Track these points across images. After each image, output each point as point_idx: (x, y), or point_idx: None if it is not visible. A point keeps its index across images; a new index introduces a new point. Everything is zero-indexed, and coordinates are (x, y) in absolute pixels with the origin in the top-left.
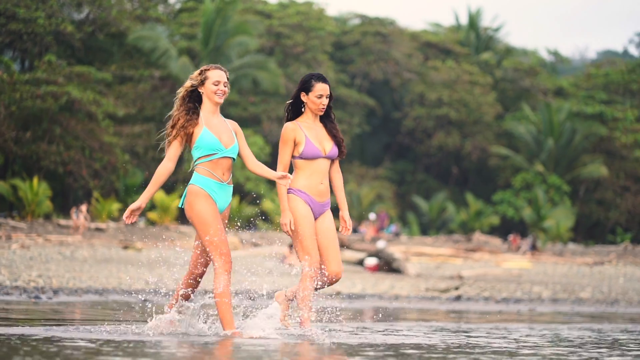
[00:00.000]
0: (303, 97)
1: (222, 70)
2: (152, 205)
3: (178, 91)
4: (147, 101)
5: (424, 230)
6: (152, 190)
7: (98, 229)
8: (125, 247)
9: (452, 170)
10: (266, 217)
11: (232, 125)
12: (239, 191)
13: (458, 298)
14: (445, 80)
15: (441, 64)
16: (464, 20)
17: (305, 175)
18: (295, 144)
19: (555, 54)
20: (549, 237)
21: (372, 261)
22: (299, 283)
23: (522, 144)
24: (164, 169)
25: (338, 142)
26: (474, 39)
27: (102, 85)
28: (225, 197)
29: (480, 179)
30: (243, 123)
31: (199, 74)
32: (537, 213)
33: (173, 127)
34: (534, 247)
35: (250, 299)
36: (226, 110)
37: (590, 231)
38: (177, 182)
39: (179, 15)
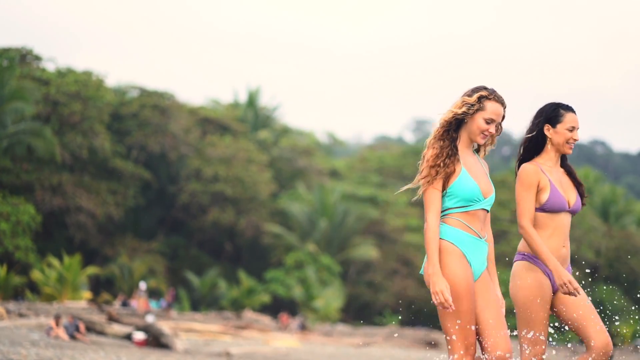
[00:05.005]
0: (547, 130)
1: (503, 105)
2: None
3: (443, 114)
4: None
5: (195, 306)
6: (437, 255)
7: None
8: None
9: (226, 246)
10: (34, 288)
11: (485, 166)
12: (8, 259)
13: None
14: (222, 157)
15: (219, 140)
16: (243, 98)
17: (544, 235)
18: (537, 191)
19: (332, 136)
20: (318, 316)
21: (140, 335)
22: None
23: (295, 223)
24: (436, 228)
25: (581, 192)
26: (252, 117)
27: None
28: (482, 257)
29: (253, 256)
30: (15, 190)
31: (477, 100)
32: (307, 292)
33: (434, 165)
34: (303, 327)
35: None
36: None
37: (359, 312)
38: None
39: None
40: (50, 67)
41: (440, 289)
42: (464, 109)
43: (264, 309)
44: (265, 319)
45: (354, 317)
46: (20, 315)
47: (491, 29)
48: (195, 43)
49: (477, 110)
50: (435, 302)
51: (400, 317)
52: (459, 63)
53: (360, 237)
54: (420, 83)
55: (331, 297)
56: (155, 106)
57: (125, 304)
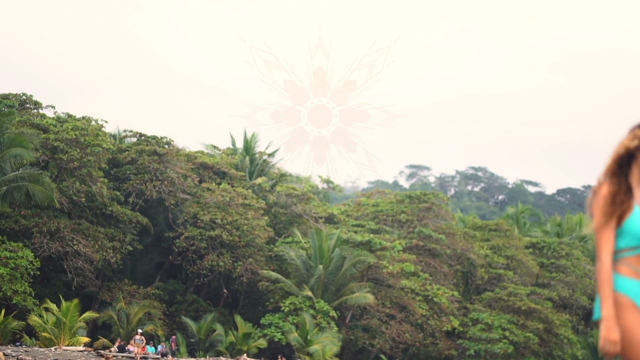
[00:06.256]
0: None
1: None
2: None
3: (616, 148)
4: None
5: (192, 351)
6: (611, 297)
7: None
8: None
9: (223, 291)
10: (32, 332)
11: None
12: (6, 304)
13: None
14: (219, 203)
15: (215, 186)
16: (240, 144)
17: None
18: None
19: (328, 181)
20: None
21: None
22: None
23: (292, 269)
24: (611, 268)
25: None
26: (249, 163)
27: None
28: None
29: (250, 301)
30: (13, 236)
31: None
32: (303, 337)
33: (612, 203)
34: None
35: None
36: None
37: (355, 357)
38: None
39: None
40: (49, 113)
41: (614, 338)
42: (636, 141)
43: (261, 354)
44: None
45: None
46: (19, 359)
47: (479, 86)
48: (191, 92)
49: None
50: (603, 349)
51: None
52: (452, 117)
53: (357, 283)
54: (414, 133)
55: (327, 342)
56: (153, 152)
57: (122, 349)
